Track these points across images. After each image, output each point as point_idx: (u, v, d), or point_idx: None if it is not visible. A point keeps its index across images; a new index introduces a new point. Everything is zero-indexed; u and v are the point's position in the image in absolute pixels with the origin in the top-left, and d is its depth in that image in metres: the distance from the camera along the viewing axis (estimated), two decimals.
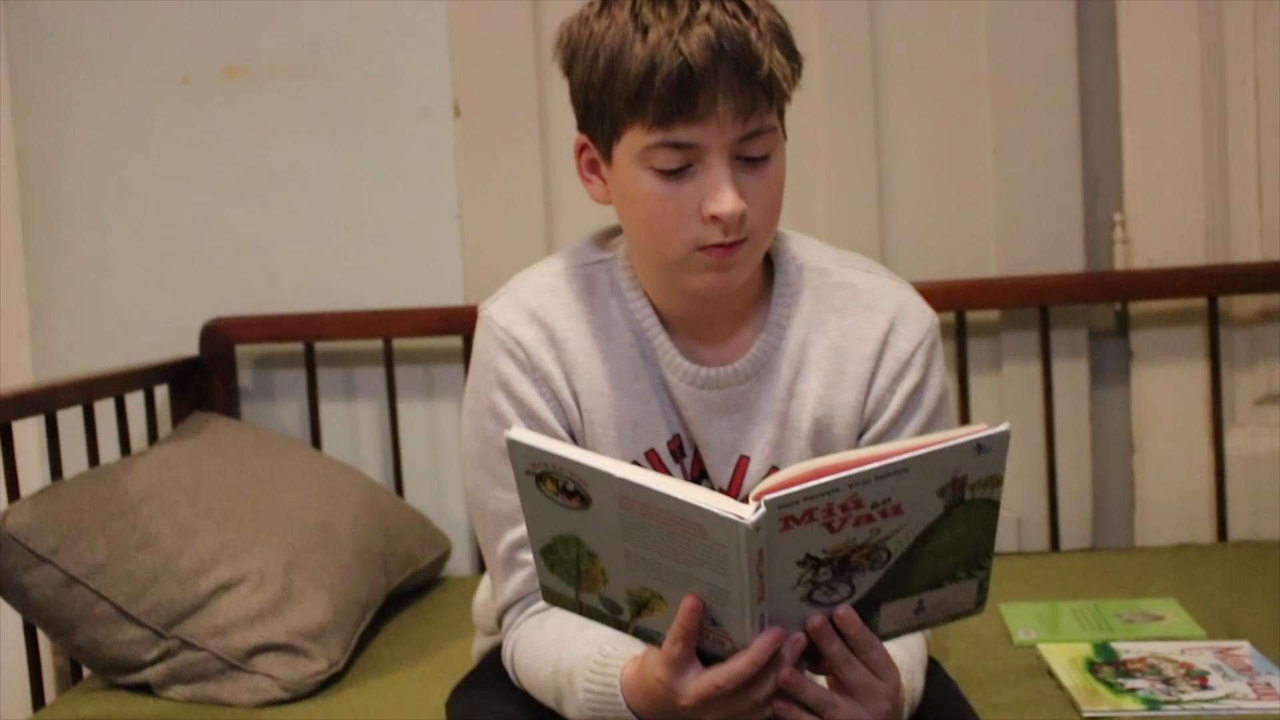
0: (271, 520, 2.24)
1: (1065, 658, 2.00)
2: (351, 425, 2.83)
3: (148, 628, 2.07)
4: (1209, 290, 2.70)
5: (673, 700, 1.36)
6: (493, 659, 1.76)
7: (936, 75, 2.77)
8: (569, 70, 1.54)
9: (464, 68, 2.78)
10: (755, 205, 1.48)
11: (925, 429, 1.62)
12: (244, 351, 2.81)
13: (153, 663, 2.08)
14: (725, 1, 1.45)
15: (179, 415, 2.71)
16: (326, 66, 2.80)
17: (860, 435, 1.63)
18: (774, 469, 1.59)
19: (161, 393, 2.71)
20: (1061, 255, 2.74)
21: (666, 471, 1.61)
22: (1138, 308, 2.77)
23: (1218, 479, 2.74)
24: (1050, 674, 1.98)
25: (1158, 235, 2.75)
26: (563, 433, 1.60)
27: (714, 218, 1.46)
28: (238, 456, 2.43)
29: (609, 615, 1.38)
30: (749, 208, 1.47)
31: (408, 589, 2.53)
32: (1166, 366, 2.77)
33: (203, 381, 2.75)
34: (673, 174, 1.47)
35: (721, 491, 1.61)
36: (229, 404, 2.75)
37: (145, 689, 2.10)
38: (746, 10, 1.45)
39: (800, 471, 1.28)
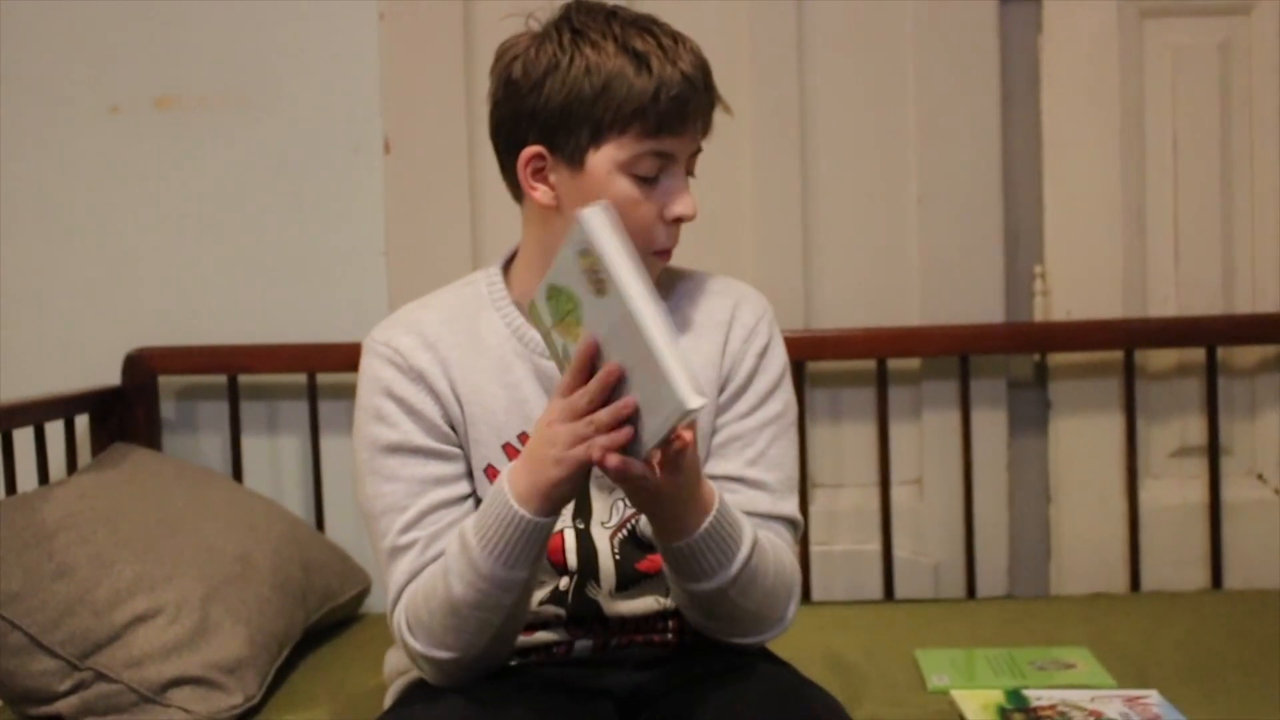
0: (190, 552, 2.23)
1: (977, 704, 2.02)
2: (273, 459, 2.82)
3: (62, 659, 2.05)
4: (1126, 343, 2.74)
5: (539, 433, 1.55)
6: (411, 690, 1.77)
7: (863, 126, 2.80)
8: (530, 91, 1.70)
9: (395, 104, 2.79)
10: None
11: (774, 388, 1.83)
12: (167, 382, 2.80)
13: (66, 694, 2.06)
14: (686, 40, 1.73)
15: (99, 445, 2.68)
16: (258, 99, 2.80)
17: (720, 391, 1.81)
18: None
19: (82, 422, 2.69)
20: (982, 305, 2.78)
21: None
22: (1056, 359, 2.81)
23: (1132, 530, 2.77)
24: (963, 719, 2.00)
25: (1077, 288, 2.79)
26: (444, 425, 1.74)
27: (676, 220, 1.72)
28: (158, 488, 2.42)
29: (560, 358, 1.58)
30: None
31: (326, 624, 2.52)
32: (1084, 417, 2.81)
33: (124, 411, 2.73)
34: (648, 180, 1.70)
35: None
36: (150, 435, 2.74)
37: None
38: (695, 49, 1.73)
39: None
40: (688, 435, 1.51)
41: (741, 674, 1.72)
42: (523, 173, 1.73)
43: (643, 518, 1.73)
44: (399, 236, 2.80)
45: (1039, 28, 2.80)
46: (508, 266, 1.85)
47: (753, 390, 1.82)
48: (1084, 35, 2.77)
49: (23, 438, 2.44)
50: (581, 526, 1.76)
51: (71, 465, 2.61)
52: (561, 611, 1.76)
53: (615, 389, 1.51)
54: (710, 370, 1.80)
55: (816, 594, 2.75)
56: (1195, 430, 2.80)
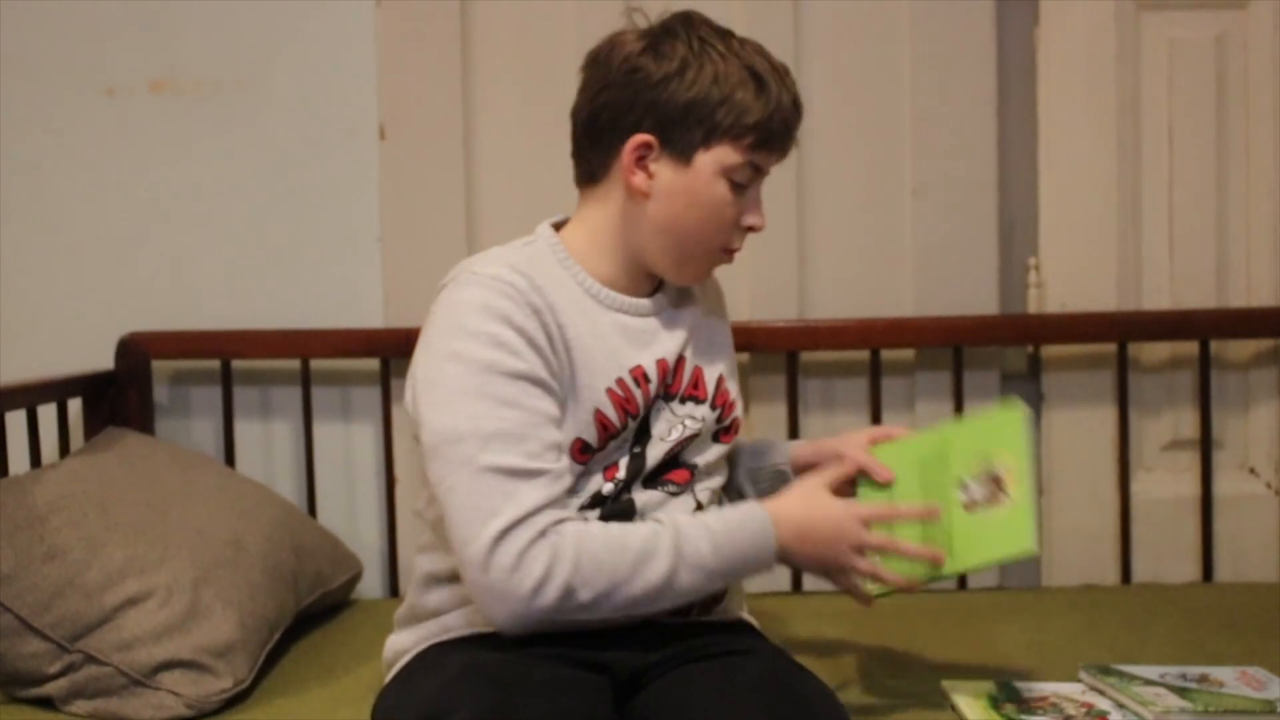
0: (181, 536, 2.23)
1: (969, 694, 2.02)
2: (266, 444, 2.82)
3: (52, 641, 2.05)
4: (1119, 336, 2.75)
5: (837, 517, 1.81)
6: (413, 662, 1.79)
7: (858, 116, 2.80)
8: (658, 85, 1.79)
9: (391, 90, 2.78)
10: None
11: None
12: (160, 367, 2.79)
13: (55, 676, 2.06)
14: (788, 72, 1.86)
15: (92, 429, 2.68)
16: (253, 84, 2.80)
17: None
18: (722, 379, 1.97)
19: (75, 406, 2.69)
20: (976, 297, 2.78)
21: (631, 394, 1.83)
22: (1049, 351, 2.81)
23: (1123, 522, 2.78)
24: (954, 710, 2.00)
25: (1071, 280, 2.79)
26: (555, 366, 1.76)
27: (750, 228, 1.87)
28: (150, 471, 2.42)
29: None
30: None
31: (317, 610, 2.52)
32: (1076, 410, 2.81)
33: (117, 396, 2.73)
34: (739, 187, 1.83)
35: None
36: (143, 419, 2.73)
37: (47, 703, 2.08)
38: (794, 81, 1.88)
39: None
40: None
41: (736, 658, 1.76)
42: (628, 157, 1.81)
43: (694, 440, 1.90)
44: (394, 222, 2.79)
45: (1036, 20, 2.80)
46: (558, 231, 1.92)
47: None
48: (1081, 28, 2.77)
49: (15, 420, 2.44)
50: (638, 451, 1.84)
51: (64, 448, 2.61)
52: (598, 513, 1.80)
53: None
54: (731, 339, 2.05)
55: (807, 583, 2.75)
56: (1188, 423, 2.81)
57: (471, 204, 2.78)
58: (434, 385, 1.74)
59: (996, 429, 1.87)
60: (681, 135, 1.80)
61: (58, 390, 2.60)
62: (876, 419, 2.74)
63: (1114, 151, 2.78)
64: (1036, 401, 2.83)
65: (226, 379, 2.77)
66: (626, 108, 1.80)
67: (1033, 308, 2.81)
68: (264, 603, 2.25)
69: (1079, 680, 2.06)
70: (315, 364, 2.77)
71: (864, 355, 2.75)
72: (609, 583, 1.68)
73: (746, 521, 1.77)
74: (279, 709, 2.09)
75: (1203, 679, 2.04)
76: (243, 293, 2.81)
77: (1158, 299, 2.80)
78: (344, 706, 2.04)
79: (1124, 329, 2.75)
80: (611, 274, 1.88)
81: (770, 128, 1.81)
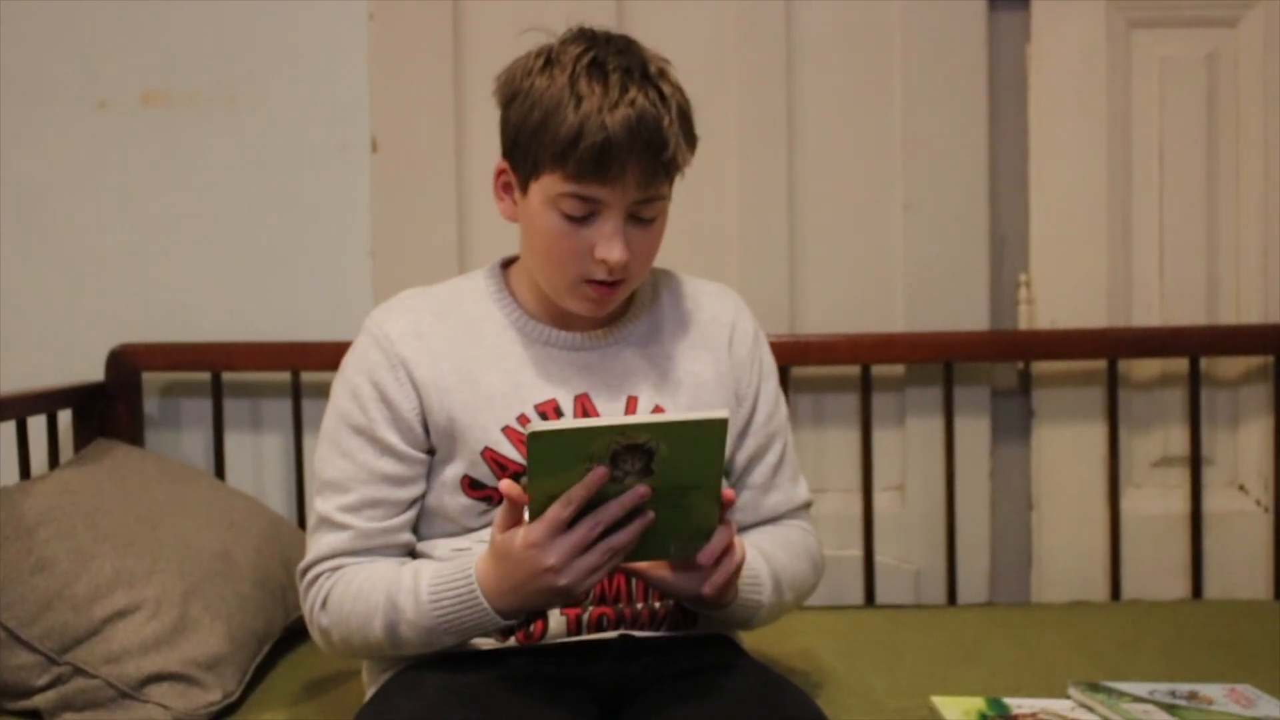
0: (170, 548, 2.22)
1: (958, 710, 2.02)
2: (256, 456, 2.82)
3: (40, 653, 2.05)
4: (1110, 352, 2.75)
5: (540, 563, 1.59)
6: (391, 682, 1.77)
7: (850, 131, 2.80)
8: (506, 105, 1.78)
9: (383, 103, 2.79)
10: (637, 255, 1.77)
11: (776, 396, 1.99)
12: (150, 379, 2.79)
13: (43, 689, 2.05)
14: (648, 89, 1.70)
15: (82, 441, 2.68)
16: (246, 97, 2.80)
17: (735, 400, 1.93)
18: (659, 408, 1.86)
19: (65, 417, 2.68)
20: (967, 313, 2.79)
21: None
22: (1040, 367, 2.81)
23: (1113, 538, 2.78)
24: None
25: (1061, 297, 2.80)
26: (417, 424, 1.81)
27: (603, 261, 1.73)
28: (139, 484, 2.41)
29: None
30: (632, 257, 1.75)
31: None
32: (1066, 426, 2.82)
33: (107, 407, 2.72)
34: (576, 219, 1.73)
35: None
36: (133, 431, 2.73)
37: (35, 716, 2.07)
38: (664, 98, 1.71)
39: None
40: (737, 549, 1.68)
41: (720, 673, 1.75)
42: (496, 183, 1.83)
43: None
44: (385, 236, 2.79)
45: (1027, 36, 2.80)
46: (508, 265, 1.92)
47: (762, 403, 1.96)
48: (1072, 44, 2.78)
49: (5, 432, 2.44)
50: None
51: (54, 460, 2.60)
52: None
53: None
54: (722, 379, 1.92)
55: None
56: (1178, 440, 2.81)
57: (463, 217, 2.78)
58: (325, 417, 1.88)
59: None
60: (520, 162, 1.76)
61: (48, 401, 2.59)
62: (867, 434, 2.74)
63: (1104, 168, 2.79)
64: (1027, 417, 2.83)
65: (217, 391, 2.77)
66: (500, 131, 1.80)
67: (1023, 324, 2.81)
68: (253, 615, 2.25)
69: (1068, 697, 2.06)
70: (306, 376, 2.77)
71: (855, 370, 2.75)
72: (349, 629, 1.77)
73: (457, 582, 1.69)
74: None
75: (1192, 696, 2.04)
76: (234, 305, 2.81)
77: (1148, 316, 2.81)
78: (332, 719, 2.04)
79: (1114, 345, 2.75)
80: (538, 305, 1.87)
81: (577, 156, 1.68)
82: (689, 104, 1.77)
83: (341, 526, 1.79)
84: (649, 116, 1.68)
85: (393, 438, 1.80)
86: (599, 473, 1.55)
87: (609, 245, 1.72)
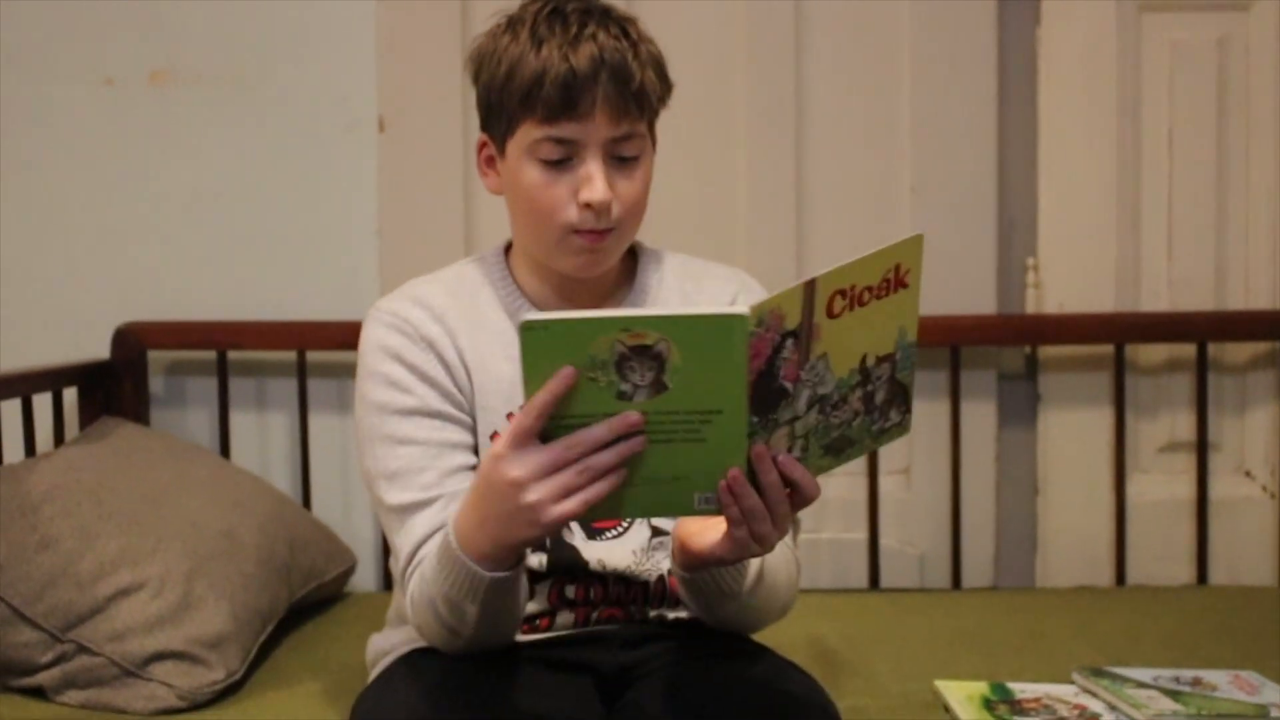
0: (175, 527, 2.22)
1: (962, 694, 2.02)
2: (261, 436, 2.82)
3: (44, 630, 2.05)
4: (1117, 337, 2.74)
5: (503, 476, 1.43)
6: (394, 666, 1.77)
7: (858, 115, 2.80)
8: (476, 78, 1.77)
9: (390, 82, 2.78)
10: (623, 199, 1.71)
11: None
12: (156, 357, 2.79)
13: (47, 666, 2.06)
14: (610, 26, 1.69)
15: (87, 419, 2.68)
16: (253, 75, 2.79)
17: None
18: None
19: (70, 395, 2.68)
20: (974, 297, 2.78)
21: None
22: (1047, 352, 2.81)
23: (1119, 524, 2.78)
24: (946, 710, 2.00)
25: (1069, 281, 2.79)
26: (456, 392, 1.75)
27: (586, 205, 1.68)
28: (144, 462, 2.41)
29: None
30: (617, 200, 1.70)
31: (311, 602, 2.52)
32: (1073, 411, 2.81)
33: (112, 385, 2.72)
34: (555, 165, 1.69)
35: None
36: (138, 409, 2.73)
37: (38, 693, 2.07)
38: (627, 35, 1.70)
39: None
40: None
41: (725, 656, 1.74)
42: (479, 160, 1.81)
43: None
44: (392, 215, 2.79)
45: (1037, 20, 2.79)
46: (510, 248, 1.88)
47: None
48: (1082, 29, 2.77)
49: (10, 409, 2.43)
50: None
51: (59, 438, 2.60)
52: (543, 557, 1.76)
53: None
54: None
55: (801, 581, 2.74)
56: (1184, 426, 2.81)
57: (470, 196, 2.78)
58: (357, 428, 1.78)
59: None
60: (496, 126, 1.74)
61: (53, 379, 2.59)
62: None
63: (1114, 153, 2.78)
64: (1033, 402, 2.83)
65: (222, 370, 2.76)
66: (478, 112, 1.79)
67: (1031, 308, 2.80)
68: (257, 594, 2.25)
69: (1072, 682, 2.06)
70: (312, 356, 2.77)
71: None
72: (421, 620, 1.67)
73: (442, 533, 1.60)
74: (271, 701, 2.09)
75: (1196, 682, 2.04)
76: (240, 284, 2.81)
77: (1156, 301, 2.80)
78: (336, 699, 2.04)
79: (1122, 330, 2.75)
80: (538, 285, 1.82)
81: (543, 95, 1.66)
82: (660, 52, 1.75)
83: (430, 501, 1.69)
84: (611, 48, 1.67)
85: (448, 407, 1.74)
86: (566, 372, 1.36)
87: (590, 184, 1.67)
